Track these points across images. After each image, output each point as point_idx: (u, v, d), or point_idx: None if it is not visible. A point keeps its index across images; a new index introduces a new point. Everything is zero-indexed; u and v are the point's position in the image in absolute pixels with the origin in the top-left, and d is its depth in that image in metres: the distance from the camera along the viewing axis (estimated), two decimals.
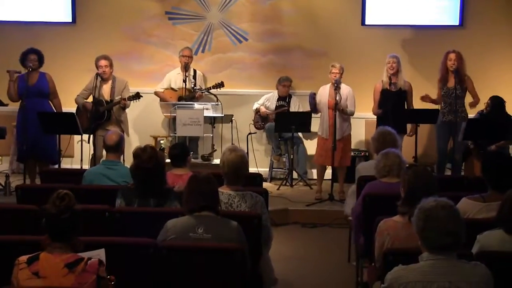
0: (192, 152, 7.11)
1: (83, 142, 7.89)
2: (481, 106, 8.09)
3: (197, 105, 8.37)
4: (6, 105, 8.20)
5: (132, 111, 8.35)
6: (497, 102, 8.04)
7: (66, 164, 8.57)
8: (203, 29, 9.46)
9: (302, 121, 8.24)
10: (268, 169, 9.01)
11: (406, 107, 7.99)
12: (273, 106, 9.03)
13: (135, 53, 9.47)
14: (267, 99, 9.11)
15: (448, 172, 8.15)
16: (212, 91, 8.61)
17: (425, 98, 7.97)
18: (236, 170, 4.44)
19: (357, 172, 5.79)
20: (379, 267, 3.67)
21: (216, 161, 8.20)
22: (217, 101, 8.49)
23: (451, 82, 7.87)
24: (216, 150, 8.63)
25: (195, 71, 8.96)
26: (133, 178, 4.54)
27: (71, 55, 9.35)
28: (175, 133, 8.33)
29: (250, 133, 9.00)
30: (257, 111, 9.10)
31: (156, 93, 8.91)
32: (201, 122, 8.10)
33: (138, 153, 4.49)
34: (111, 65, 8.08)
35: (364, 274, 4.66)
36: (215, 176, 4.10)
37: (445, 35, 9.08)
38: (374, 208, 4.49)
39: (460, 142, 7.85)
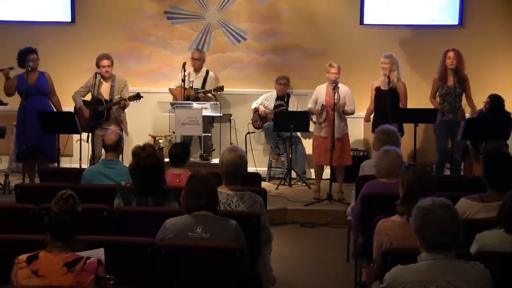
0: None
1: (82, 141, 7.90)
2: (480, 105, 8.08)
3: (195, 105, 8.38)
4: (6, 104, 8.19)
5: (131, 110, 8.34)
6: (496, 101, 7.99)
7: (65, 163, 8.56)
8: (202, 28, 9.46)
9: (301, 121, 8.24)
10: (266, 169, 8.99)
11: (400, 107, 7.95)
12: (271, 106, 9.03)
13: (133, 53, 9.47)
14: (266, 98, 9.11)
15: (447, 172, 8.14)
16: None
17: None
18: (235, 170, 4.42)
19: (362, 170, 5.77)
20: (378, 267, 3.67)
21: (215, 160, 8.21)
22: (215, 100, 8.49)
23: (450, 81, 7.86)
24: (214, 149, 8.62)
25: (207, 72, 8.98)
26: (131, 176, 4.50)
27: (70, 54, 9.35)
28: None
29: (248, 133, 9.01)
30: (256, 110, 9.10)
31: (169, 90, 9.02)
32: (199, 122, 8.11)
33: (137, 151, 4.46)
34: (112, 65, 8.09)
35: (363, 274, 4.65)
36: (214, 175, 4.08)
37: (444, 34, 9.07)
38: (373, 208, 4.48)
39: (459, 141, 7.83)
